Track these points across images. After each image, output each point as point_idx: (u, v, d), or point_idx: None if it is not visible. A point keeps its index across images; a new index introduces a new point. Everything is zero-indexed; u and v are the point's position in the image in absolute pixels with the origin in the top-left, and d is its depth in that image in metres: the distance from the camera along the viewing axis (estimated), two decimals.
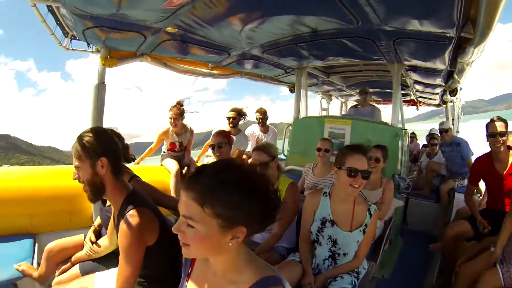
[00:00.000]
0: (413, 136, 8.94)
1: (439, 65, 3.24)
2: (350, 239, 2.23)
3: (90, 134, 1.74)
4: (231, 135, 3.94)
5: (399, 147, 3.60)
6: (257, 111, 5.60)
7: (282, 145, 4.91)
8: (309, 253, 2.37)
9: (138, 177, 2.35)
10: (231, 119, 5.09)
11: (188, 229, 1.00)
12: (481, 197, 4.19)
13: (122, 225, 1.65)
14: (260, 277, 1.05)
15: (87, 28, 2.33)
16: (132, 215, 1.65)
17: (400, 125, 3.92)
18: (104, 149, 1.72)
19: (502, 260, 2.41)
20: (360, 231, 2.21)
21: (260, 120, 5.60)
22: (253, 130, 5.74)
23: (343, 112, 8.54)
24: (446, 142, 5.41)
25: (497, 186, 3.19)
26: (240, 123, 5.24)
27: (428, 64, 3.36)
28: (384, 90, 6.26)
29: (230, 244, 1.02)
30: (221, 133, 3.36)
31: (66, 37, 2.64)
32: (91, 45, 2.85)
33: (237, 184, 1.00)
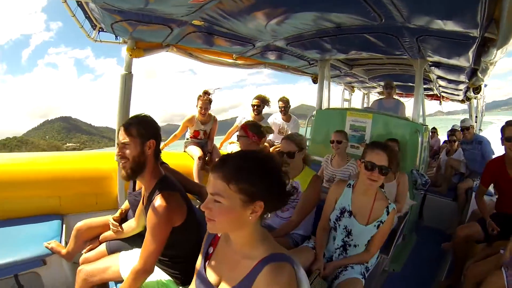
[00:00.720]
0: (434, 131, 8.79)
1: (463, 62, 3.21)
2: (364, 232, 2.29)
3: (146, 117, 1.95)
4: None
5: (419, 142, 3.60)
6: (280, 100, 5.65)
7: (304, 135, 4.96)
8: (324, 240, 2.46)
9: (166, 163, 2.46)
10: (255, 107, 5.19)
11: (214, 205, 1.18)
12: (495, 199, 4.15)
13: (153, 205, 1.79)
14: (270, 252, 1.23)
15: (115, 21, 2.43)
16: (163, 197, 1.79)
17: (421, 121, 3.90)
18: (154, 133, 1.92)
19: (509, 264, 2.40)
20: (375, 226, 2.26)
21: (282, 109, 5.64)
22: (275, 119, 5.81)
23: (365, 104, 8.51)
24: (467, 140, 5.31)
25: (508, 191, 3.18)
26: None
27: (452, 61, 3.32)
28: (406, 84, 6.19)
29: (250, 218, 1.20)
30: (257, 126, 3.42)
31: (94, 29, 2.74)
32: (118, 36, 2.93)
33: (256, 165, 1.21)
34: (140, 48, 2.96)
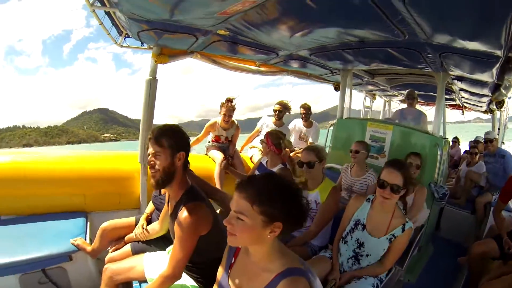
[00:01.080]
0: (455, 141, 8.67)
1: (486, 78, 3.19)
2: (377, 245, 2.34)
3: (177, 129, 2.02)
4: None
5: (438, 156, 3.58)
6: (301, 106, 5.71)
7: (325, 143, 5.02)
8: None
9: (191, 170, 2.58)
10: (277, 112, 5.28)
11: (237, 222, 1.31)
12: None
13: (181, 216, 1.87)
14: (287, 266, 1.35)
15: (142, 30, 2.52)
16: (190, 208, 1.88)
17: (441, 134, 3.88)
18: (184, 145, 2.00)
19: None
20: (387, 239, 2.30)
21: (303, 115, 5.71)
22: (296, 124, 5.87)
23: (386, 111, 8.48)
24: (490, 152, 5.23)
25: None
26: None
27: (475, 77, 3.30)
28: (428, 93, 6.12)
29: (268, 236, 1.32)
30: (280, 136, 3.50)
31: (121, 35, 2.83)
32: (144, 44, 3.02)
33: (280, 190, 1.33)
34: (165, 54, 3.04)
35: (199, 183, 2.36)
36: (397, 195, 2.26)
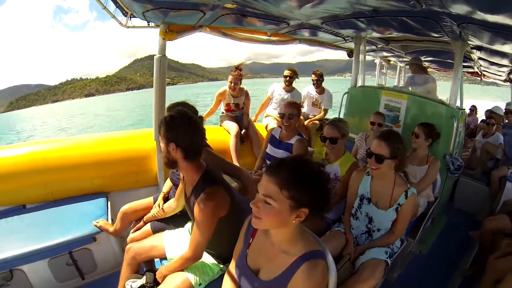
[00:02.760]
0: (473, 109, 8.53)
1: (506, 49, 3.09)
2: (385, 217, 2.42)
3: (169, 119, 1.97)
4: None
5: (454, 128, 3.56)
6: (313, 73, 5.74)
7: (339, 111, 5.05)
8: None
9: (209, 146, 2.55)
10: (287, 78, 5.37)
11: (264, 205, 1.33)
12: None
13: (199, 202, 1.91)
14: (307, 250, 1.41)
15: (146, 10, 2.49)
16: (209, 194, 1.91)
17: (458, 104, 3.83)
18: (175, 137, 1.94)
19: None
20: (394, 209, 2.37)
21: (315, 82, 5.73)
22: (309, 91, 5.91)
23: (402, 77, 8.36)
24: (510, 124, 5.15)
25: None
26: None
27: (494, 47, 3.19)
28: (445, 60, 5.98)
29: (294, 221, 1.35)
30: (292, 104, 3.49)
31: (126, 16, 2.79)
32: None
33: (309, 176, 1.33)
34: (173, 31, 3.01)
35: (214, 161, 2.42)
36: (382, 165, 2.35)
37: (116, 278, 2.79)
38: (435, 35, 3.20)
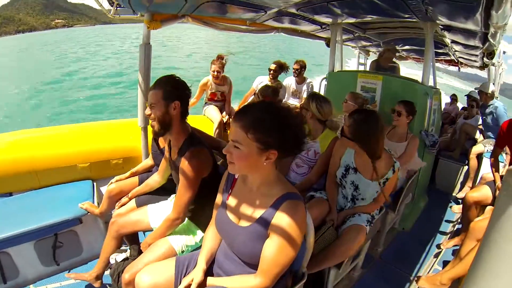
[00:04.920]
0: (454, 98, 8.86)
1: (472, 26, 3.28)
2: (370, 187, 2.57)
3: (171, 80, 2.15)
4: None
5: (427, 104, 3.75)
6: (295, 62, 5.86)
7: None
8: (335, 194, 2.74)
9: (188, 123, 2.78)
10: (271, 71, 5.45)
11: (235, 150, 1.41)
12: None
13: (184, 161, 2.06)
14: (286, 191, 1.48)
15: None
16: (193, 153, 2.08)
17: (431, 84, 4.06)
18: (179, 95, 2.14)
19: None
20: (380, 183, 2.51)
21: (296, 71, 5.85)
22: (288, 81, 6.06)
23: None
24: (486, 104, 5.40)
25: None
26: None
27: (461, 25, 3.40)
28: (422, 48, 6.15)
29: (264, 163, 1.43)
30: (270, 87, 3.68)
31: (112, 6, 2.92)
32: (136, 11, 3.12)
33: (273, 117, 1.40)
34: (157, 20, 3.16)
35: (200, 135, 2.52)
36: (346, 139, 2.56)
37: None
38: (405, 15, 3.41)
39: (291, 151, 1.47)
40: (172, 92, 2.11)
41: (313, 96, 3.13)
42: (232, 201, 1.67)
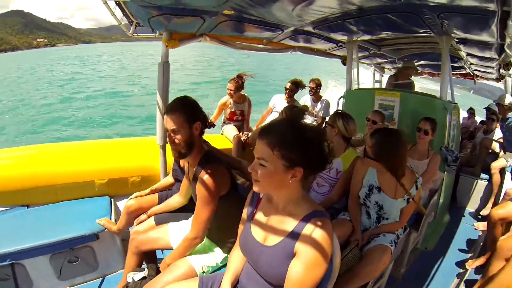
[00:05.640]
0: (472, 112, 8.77)
1: (488, 38, 3.28)
2: (394, 206, 2.56)
3: (188, 102, 2.17)
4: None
5: (447, 120, 3.71)
6: (311, 80, 5.89)
7: None
8: (358, 214, 2.72)
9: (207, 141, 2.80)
10: (287, 90, 5.47)
11: (260, 168, 1.40)
12: None
13: (201, 179, 2.05)
14: (313, 209, 1.46)
15: (152, 16, 2.73)
16: (210, 170, 2.07)
17: (449, 99, 4.02)
18: (198, 115, 2.17)
19: None
20: (404, 199, 2.52)
21: (312, 89, 5.86)
22: (305, 100, 6.05)
23: None
24: (505, 117, 5.28)
25: None
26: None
27: (477, 37, 3.40)
28: (437, 63, 6.22)
29: (290, 181, 1.41)
30: (296, 107, 3.72)
31: (131, 25, 3.02)
32: (155, 30, 3.22)
33: (299, 135, 1.39)
34: (175, 39, 3.24)
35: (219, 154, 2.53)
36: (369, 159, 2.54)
37: (116, 278, 2.98)
38: (421, 30, 3.42)
39: (316, 168, 1.47)
40: (192, 114, 2.14)
41: (339, 113, 3.16)
42: (257, 221, 1.65)
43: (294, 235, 1.42)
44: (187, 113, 2.12)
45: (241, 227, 1.79)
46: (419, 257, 3.79)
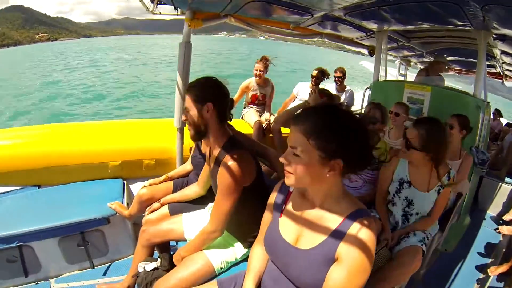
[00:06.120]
0: (497, 113, 8.60)
1: None
2: (426, 199, 2.44)
3: (202, 81, 2.03)
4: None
5: (480, 119, 3.58)
6: (337, 70, 5.83)
7: (361, 106, 5.13)
8: (386, 211, 2.62)
9: (232, 126, 2.58)
10: (314, 78, 5.36)
11: (293, 158, 1.26)
12: None
13: (223, 166, 1.90)
14: (356, 207, 1.30)
15: None
16: (234, 156, 1.90)
17: (482, 97, 3.87)
18: (211, 96, 1.98)
19: None
20: (435, 191, 2.40)
21: (338, 79, 5.80)
22: (329, 89, 5.92)
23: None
24: None
25: None
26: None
27: None
28: (466, 59, 6.07)
29: (327, 175, 1.25)
30: (324, 92, 3.53)
31: (153, 2, 2.91)
32: (177, 8, 3.12)
33: (339, 123, 1.23)
34: (198, 18, 3.14)
35: (239, 136, 2.40)
36: (411, 151, 2.41)
37: (126, 264, 2.93)
38: (459, 22, 3.26)
39: (358, 164, 1.29)
40: (203, 94, 1.99)
41: (376, 104, 3.09)
42: (287, 218, 1.48)
43: (337, 237, 1.27)
44: (198, 92, 1.99)
45: (264, 222, 1.65)
46: (439, 259, 3.68)
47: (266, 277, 1.57)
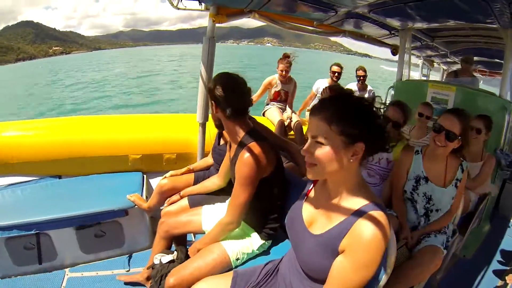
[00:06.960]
0: None
1: None
2: (445, 194, 2.42)
3: (217, 78, 2.07)
4: None
5: (505, 121, 3.54)
6: (360, 69, 5.87)
7: (384, 106, 5.06)
8: (404, 209, 2.58)
9: (253, 118, 2.57)
10: (335, 74, 5.45)
11: (316, 148, 1.25)
12: None
13: (242, 156, 1.90)
14: (371, 200, 1.28)
15: None
16: (253, 147, 1.91)
17: (508, 98, 3.82)
18: (214, 98, 2.03)
19: None
20: (453, 185, 2.39)
21: (361, 78, 5.84)
22: (351, 88, 5.91)
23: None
24: None
25: None
26: None
27: None
28: (491, 60, 5.99)
29: (351, 160, 1.26)
30: (334, 87, 3.55)
31: None
32: (201, 3, 3.13)
33: (357, 107, 1.26)
34: (222, 14, 3.17)
35: (261, 129, 2.44)
36: (451, 144, 2.29)
37: (141, 257, 2.97)
38: (486, 20, 3.22)
39: (378, 144, 1.31)
40: (212, 91, 2.03)
41: (398, 102, 3.06)
42: (309, 202, 1.54)
43: (344, 227, 1.27)
44: (212, 90, 2.03)
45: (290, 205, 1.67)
46: (457, 264, 3.59)
47: (284, 263, 1.65)
